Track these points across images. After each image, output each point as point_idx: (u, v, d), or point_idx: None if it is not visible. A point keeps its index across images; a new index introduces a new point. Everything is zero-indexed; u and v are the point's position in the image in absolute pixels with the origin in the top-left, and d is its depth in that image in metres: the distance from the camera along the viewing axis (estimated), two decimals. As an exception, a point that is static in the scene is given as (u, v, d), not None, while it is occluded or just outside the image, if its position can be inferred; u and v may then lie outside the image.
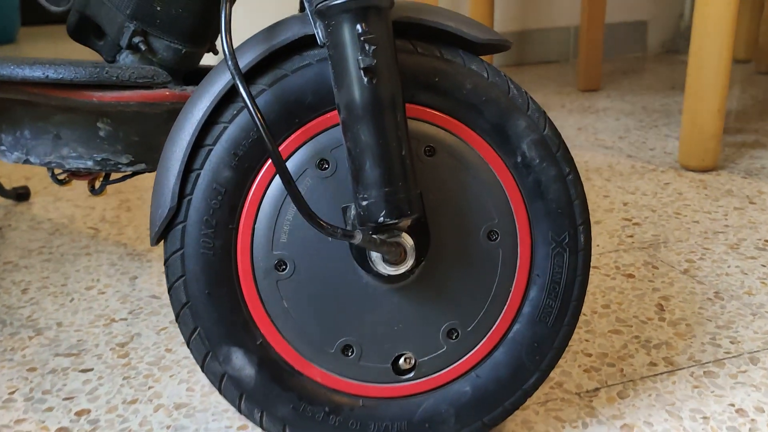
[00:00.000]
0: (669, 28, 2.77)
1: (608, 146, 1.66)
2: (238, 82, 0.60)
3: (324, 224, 0.60)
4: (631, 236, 1.19)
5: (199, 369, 0.86)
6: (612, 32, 2.68)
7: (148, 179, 1.51)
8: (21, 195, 1.39)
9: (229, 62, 0.61)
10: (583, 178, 1.47)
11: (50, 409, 0.79)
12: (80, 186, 1.48)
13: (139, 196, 1.42)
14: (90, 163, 0.83)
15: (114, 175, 1.34)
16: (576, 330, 0.92)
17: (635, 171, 1.50)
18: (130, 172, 0.86)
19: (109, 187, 1.45)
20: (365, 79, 0.59)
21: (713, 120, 1.43)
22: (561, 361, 0.85)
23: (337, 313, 0.66)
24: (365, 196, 0.61)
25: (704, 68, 1.41)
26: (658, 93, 2.15)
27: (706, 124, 1.43)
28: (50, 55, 2.89)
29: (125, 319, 0.97)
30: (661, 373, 0.83)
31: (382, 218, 0.60)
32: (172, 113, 0.81)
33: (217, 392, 0.82)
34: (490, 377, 0.69)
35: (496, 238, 0.68)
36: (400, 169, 0.61)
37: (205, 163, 0.64)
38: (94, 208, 1.37)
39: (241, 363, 0.66)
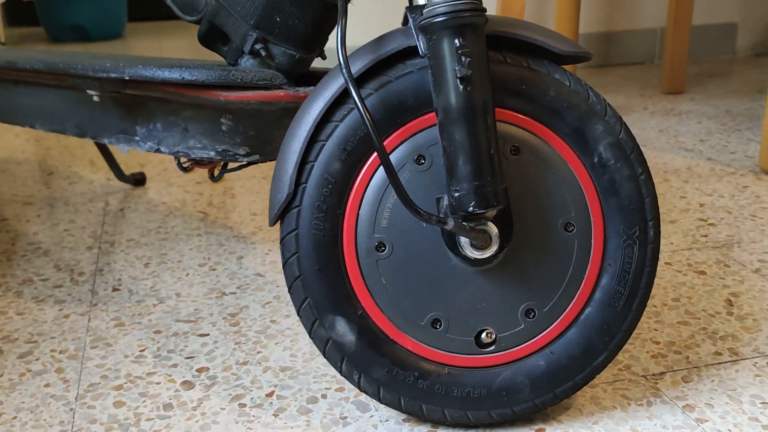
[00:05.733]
0: (760, 31, 2.75)
1: (688, 149, 1.70)
2: (350, 86, 0.70)
3: (422, 212, 0.69)
4: (706, 236, 1.24)
5: (301, 338, 0.97)
6: (700, 34, 2.68)
7: (249, 169, 1.64)
8: (138, 180, 1.54)
9: (343, 69, 0.71)
10: (661, 180, 1.51)
11: (175, 365, 0.92)
12: (189, 174, 1.62)
13: (242, 185, 1.55)
14: (212, 154, 0.95)
15: (231, 165, 1.47)
16: (646, 320, 0.98)
17: (714, 173, 1.54)
18: (246, 162, 0.97)
19: (215, 176, 1.58)
20: (461, 87, 0.68)
21: (795, 125, 1.45)
22: (630, 347, 0.92)
23: (428, 291, 0.76)
24: (457, 188, 0.70)
25: (787, 74, 1.43)
26: (744, 97, 2.16)
27: (788, 129, 1.45)
28: (155, 49, 3.08)
29: (234, 293, 1.09)
30: (725, 362, 0.89)
31: (471, 208, 0.69)
32: (285, 111, 0.92)
33: (317, 359, 0.92)
34: (563, 354, 0.77)
35: (573, 230, 0.76)
36: (488, 166, 0.69)
37: (318, 156, 0.75)
38: (202, 194, 1.50)
39: (343, 330, 0.76)
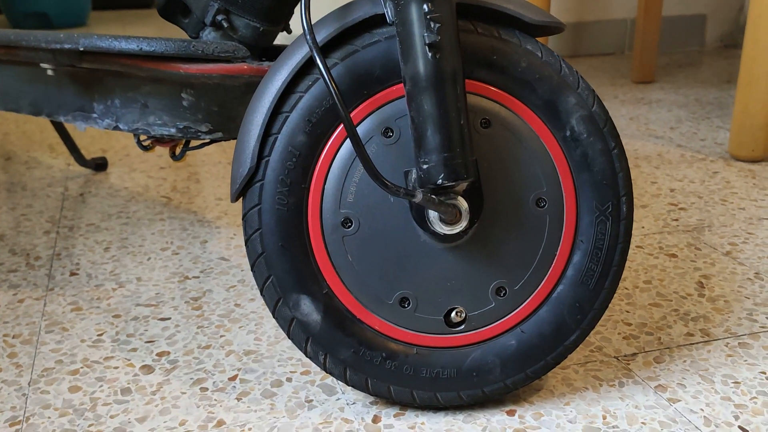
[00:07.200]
0: (728, 22, 2.76)
1: (659, 136, 1.70)
2: (315, 55, 0.67)
3: (389, 184, 0.67)
4: (676, 220, 1.23)
5: (266, 322, 0.94)
6: (670, 25, 2.69)
7: (215, 154, 1.60)
8: (99, 165, 1.49)
9: (308, 37, 0.68)
10: (632, 165, 1.50)
11: (134, 349, 0.88)
12: (152, 159, 1.58)
13: (208, 170, 1.51)
14: (173, 131, 0.92)
15: (193, 143, 1.43)
16: (618, 302, 0.97)
17: (684, 160, 1.53)
18: (209, 140, 0.94)
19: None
20: (430, 54, 0.66)
21: (764, 111, 1.45)
22: (602, 328, 0.91)
23: (396, 268, 0.73)
24: (426, 160, 0.67)
25: (757, 60, 1.43)
26: (713, 86, 2.16)
27: (757, 115, 1.46)
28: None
29: (197, 277, 1.06)
30: (697, 343, 0.88)
31: (440, 180, 0.67)
32: (249, 86, 0.88)
33: (282, 342, 0.89)
34: (535, 333, 0.75)
35: (544, 205, 0.74)
36: (458, 137, 0.67)
37: (282, 128, 0.72)
38: (165, 179, 1.46)
39: (308, 309, 0.73)
